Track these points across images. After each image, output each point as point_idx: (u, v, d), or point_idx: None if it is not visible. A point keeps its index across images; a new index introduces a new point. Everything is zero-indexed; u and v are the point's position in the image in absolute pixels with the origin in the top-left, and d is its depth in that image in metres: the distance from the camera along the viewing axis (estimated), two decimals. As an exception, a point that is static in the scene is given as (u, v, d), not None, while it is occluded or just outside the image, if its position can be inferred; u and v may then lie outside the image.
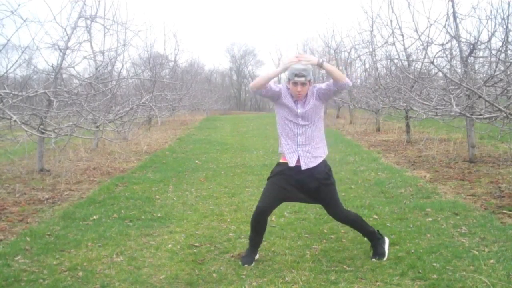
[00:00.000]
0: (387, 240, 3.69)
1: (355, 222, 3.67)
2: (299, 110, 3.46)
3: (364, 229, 3.68)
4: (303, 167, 3.46)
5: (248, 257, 3.61)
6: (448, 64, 8.24)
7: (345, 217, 3.65)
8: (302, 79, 3.36)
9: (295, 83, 3.40)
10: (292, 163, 3.47)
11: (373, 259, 3.55)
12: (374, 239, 3.64)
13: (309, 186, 3.50)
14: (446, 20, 6.75)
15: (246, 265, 3.53)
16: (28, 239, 4.19)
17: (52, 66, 7.51)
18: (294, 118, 3.48)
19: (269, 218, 3.66)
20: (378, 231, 3.73)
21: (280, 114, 3.53)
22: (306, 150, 3.48)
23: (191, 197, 5.93)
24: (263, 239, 3.73)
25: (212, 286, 3.22)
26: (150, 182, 6.91)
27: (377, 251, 3.60)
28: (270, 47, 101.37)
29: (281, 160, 3.60)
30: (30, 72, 8.44)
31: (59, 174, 7.25)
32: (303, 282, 3.21)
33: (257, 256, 3.64)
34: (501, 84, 6.17)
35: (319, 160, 3.52)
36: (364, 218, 4.64)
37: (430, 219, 4.56)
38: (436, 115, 6.70)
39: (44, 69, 8.70)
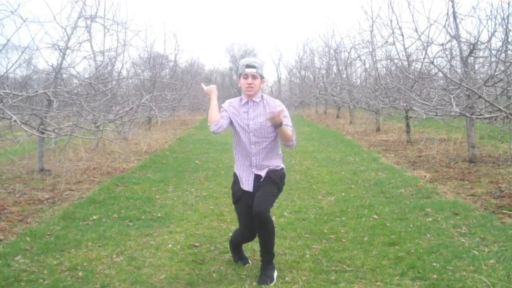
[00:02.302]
0: (276, 271, 3.36)
1: (267, 231, 3.24)
2: (251, 122, 3.28)
3: (269, 244, 3.29)
4: (254, 190, 3.29)
5: (239, 258, 3.62)
6: (448, 64, 8.25)
7: (265, 218, 3.18)
8: (253, 70, 3.22)
9: (246, 76, 3.24)
10: (248, 188, 3.30)
11: (263, 284, 3.17)
12: (271, 262, 3.31)
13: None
14: (446, 20, 6.77)
15: (247, 265, 3.54)
16: (28, 239, 4.19)
17: (52, 66, 7.52)
18: (246, 133, 3.30)
19: None
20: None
21: (234, 131, 3.39)
22: (259, 168, 3.31)
23: (191, 197, 5.93)
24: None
25: (212, 286, 3.22)
26: (150, 182, 6.91)
27: (268, 274, 3.25)
28: (270, 47, 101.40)
29: (236, 171, 3.42)
30: (30, 72, 8.45)
31: (59, 174, 7.25)
32: (303, 282, 3.21)
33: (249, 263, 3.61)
34: (501, 84, 6.17)
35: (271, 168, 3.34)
36: (364, 218, 4.68)
37: (430, 219, 4.56)
38: (436, 115, 6.71)
39: (44, 69, 8.70)
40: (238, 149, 3.39)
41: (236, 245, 3.62)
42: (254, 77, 3.25)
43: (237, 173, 3.40)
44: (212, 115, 3.31)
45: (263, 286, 3.17)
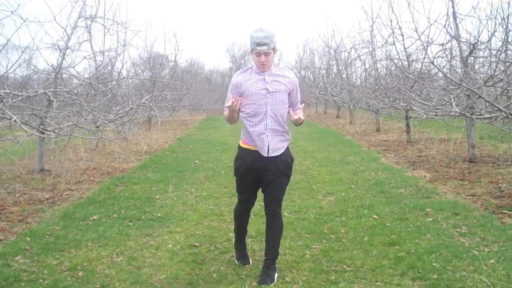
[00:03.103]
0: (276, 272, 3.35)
1: (277, 230, 3.30)
2: (268, 86, 3.21)
3: (277, 244, 3.33)
4: (271, 153, 3.22)
5: (241, 255, 3.63)
6: (448, 64, 8.25)
7: (276, 216, 3.26)
8: (265, 47, 3.08)
9: (258, 53, 3.12)
10: (264, 152, 3.21)
11: (264, 284, 3.17)
12: (274, 262, 3.31)
13: (268, 174, 3.26)
14: (446, 20, 6.77)
15: (247, 265, 3.54)
16: (28, 239, 4.19)
17: (52, 66, 7.51)
18: (263, 97, 3.20)
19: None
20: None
21: (246, 100, 3.24)
22: (273, 134, 3.23)
23: (191, 197, 5.93)
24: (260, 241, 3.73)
25: (212, 286, 3.22)
26: (150, 182, 6.91)
27: (269, 274, 3.24)
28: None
29: (243, 145, 3.35)
30: (30, 72, 8.44)
31: (59, 174, 7.25)
32: (303, 282, 3.21)
33: (250, 261, 3.62)
34: (501, 84, 6.17)
35: (284, 148, 3.31)
36: (364, 218, 4.68)
37: (430, 219, 4.56)
38: (436, 115, 6.71)
39: (44, 69, 8.70)
40: (251, 117, 3.23)
41: (239, 225, 3.61)
42: (266, 54, 3.13)
43: (249, 138, 3.26)
44: (228, 118, 3.33)
45: (263, 286, 3.17)
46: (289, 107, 3.32)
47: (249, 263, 3.57)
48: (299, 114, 3.26)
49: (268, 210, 3.33)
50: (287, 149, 3.37)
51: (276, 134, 3.25)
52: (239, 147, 3.39)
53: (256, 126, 3.22)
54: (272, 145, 3.23)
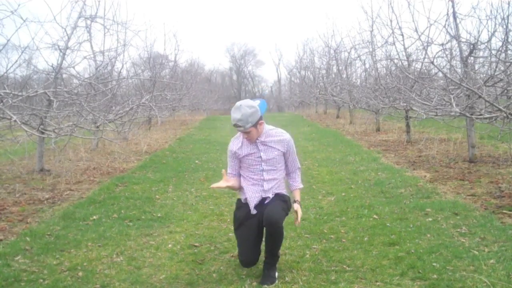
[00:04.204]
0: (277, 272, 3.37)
1: (280, 239, 3.27)
2: (262, 154, 3.34)
3: (277, 247, 3.33)
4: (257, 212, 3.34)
5: None
6: (448, 64, 8.25)
7: (278, 227, 3.19)
8: (241, 129, 3.22)
9: (239, 131, 3.31)
10: (252, 206, 3.34)
11: (265, 285, 3.18)
12: (275, 264, 3.34)
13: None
14: (446, 20, 6.77)
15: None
16: (28, 239, 4.19)
17: (52, 66, 7.52)
18: (257, 164, 3.36)
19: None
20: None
21: (243, 164, 3.42)
22: (269, 193, 3.37)
23: (191, 197, 5.93)
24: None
25: (212, 286, 3.22)
26: (150, 182, 6.91)
27: (271, 274, 3.26)
28: (270, 47, 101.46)
29: (240, 197, 3.49)
30: (30, 72, 8.44)
31: (59, 174, 7.25)
32: (303, 282, 3.21)
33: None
34: (501, 84, 6.17)
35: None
36: (364, 218, 4.68)
37: (430, 219, 4.56)
38: (436, 115, 6.70)
39: (44, 69, 8.70)
40: (248, 177, 3.41)
41: None
42: (246, 132, 3.25)
43: (244, 196, 3.41)
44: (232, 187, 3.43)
45: (264, 286, 3.17)
46: (286, 167, 3.48)
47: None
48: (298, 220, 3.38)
49: (266, 222, 3.19)
50: (288, 195, 3.51)
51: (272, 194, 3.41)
52: (238, 200, 3.54)
53: (253, 187, 3.39)
54: (269, 192, 3.39)
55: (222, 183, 3.32)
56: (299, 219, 3.36)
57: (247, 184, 3.40)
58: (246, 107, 3.19)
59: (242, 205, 3.43)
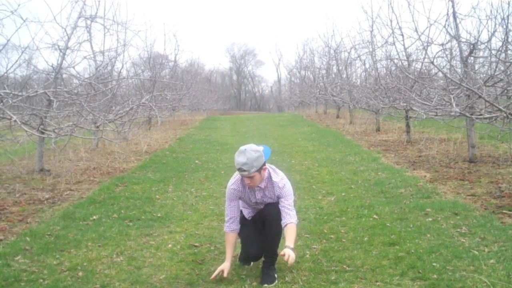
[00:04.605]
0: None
1: (278, 235, 3.36)
2: (258, 198, 3.39)
3: (275, 245, 3.37)
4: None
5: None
6: (448, 64, 8.25)
7: (277, 218, 3.28)
8: (245, 173, 3.18)
9: (243, 176, 3.26)
10: (248, 216, 3.53)
11: (265, 284, 3.21)
12: (273, 263, 3.36)
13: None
14: (446, 20, 6.76)
15: (246, 265, 3.55)
16: (28, 239, 4.19)
17: (52, 66, 7.52)
18: (253, 204, 3.45)
19: None
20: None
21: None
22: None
23: (191, 197, 5.93)
24: None
25: (212, 286, 3.22)
26: (150, 182, 6.91)
27: (270, 273, 3.29)
28: (270, 47, 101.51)
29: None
30: (30, 72, 8.44)
31: (59, 174, 7.25)
32: (303, 282, 3.21)
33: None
34: (501, 84, 6.17)
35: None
36: (364, 218, 4.68)
37: (430, 219, 4.56)
38: (436, 115, 6.70)
39: (44, 69, 8.71)
40: (250, 206, 3.53)
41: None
42: (250, 177, 3.21)
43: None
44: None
45: (264, 286, 3.18)
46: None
47: (249, 264, 3.57)
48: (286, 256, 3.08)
49: (267, 217, 3.36)
50: None
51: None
52: None
53: (248, 210, 3.56)
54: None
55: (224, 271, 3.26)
56: (289, 262, 3.07)
57: (243, 208, 3.55)
58: (252, 151, 3.17)
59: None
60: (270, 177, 3.35)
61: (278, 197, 3.35)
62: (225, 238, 3.44)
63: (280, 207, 3.31)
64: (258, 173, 3.22)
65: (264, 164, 3.25)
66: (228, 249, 3.36)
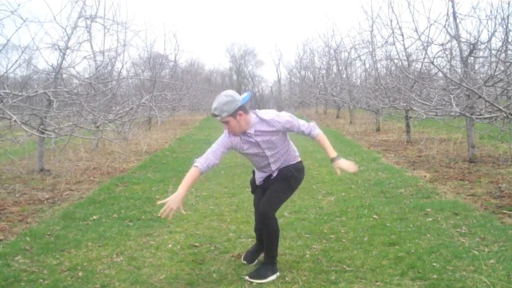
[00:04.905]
0: (276, 275, 3.30)
1: (270, 232, 3.27)
2: (259, 139, 3.22)
3: (273, 248, 3.32)
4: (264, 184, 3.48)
5: (248, 253, 3.66)
6: (448, 64, 8.25)
7: (268, 217, 3.23)
8: (218, 118, 3.10)
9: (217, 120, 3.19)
10: (259, 183, 3.50)
11: (247, 277, 3.23)
12: (270, 262, 3.31)
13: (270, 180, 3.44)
14: (446, 20, 6.76)
15: (246, 263, 3.56)
16: (28, 239, 4.19)
17: (52, 66, 7.52)
18: (259, 150, 3.28)
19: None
20: (276, 262, 3.39)
21: (245, 155, 3.36)
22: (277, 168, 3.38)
23: (191, 197, 5.93)
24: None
25: (212, 286, 3.22)
26: (150, 182, 6.91)
27: (260, 272, 3.26)
28: (270, 47, 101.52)
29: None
30: (30, 72, 8.45)
31: (59, 174, 7.25)
32: (303, 282, 3.21)
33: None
34: (501, 84, 6.17)
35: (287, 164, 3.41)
36: (364, 218, 4.67)
37: (430, 219, 4.56)
38: (436, 115, 6.71)
39: (44, 69, 8.71)
40: (255, 163, 3.41)
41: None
42: (225, 122, 3.11)
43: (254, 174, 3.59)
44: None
45: (246, 277, 3.24)
46: (293, 131, 3.28)
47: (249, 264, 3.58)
48: (338, 169, 3.23)
49: (257, 213, 3.44)
50: (295, 164, 3.43)
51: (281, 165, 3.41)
52: (253, 170, 3.63)
53: (260, 172, 3.48)
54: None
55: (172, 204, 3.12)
56: (341, 171, 3.20)
57: (255, 168, 3.51)
58: (224, 95, 3.10)
59: (253, 173, 3.61)
60: (261, 119, 3.19)
61: (283, 130, 3.23)
62: (189, 171, 3.17)
63: (297, 133, 3.29)
64: (233, 117, 3.08)
65: (239, 109, 3.08)
66: (185, 183, 3.12)
